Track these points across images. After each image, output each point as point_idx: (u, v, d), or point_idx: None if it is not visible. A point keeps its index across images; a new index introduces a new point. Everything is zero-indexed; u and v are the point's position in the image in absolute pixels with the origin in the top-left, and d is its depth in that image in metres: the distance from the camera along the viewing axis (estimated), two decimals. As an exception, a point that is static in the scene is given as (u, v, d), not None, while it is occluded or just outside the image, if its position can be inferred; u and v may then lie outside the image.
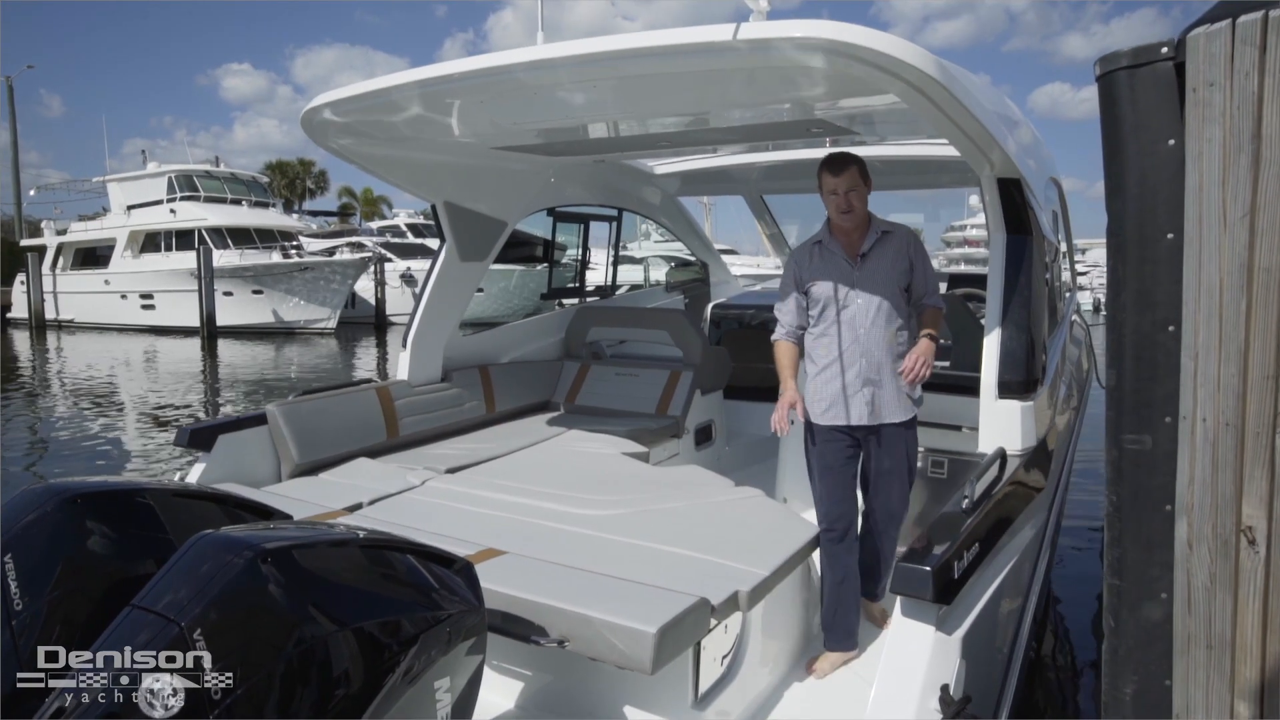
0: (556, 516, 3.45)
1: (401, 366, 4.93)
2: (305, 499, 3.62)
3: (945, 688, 2.26)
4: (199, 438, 3.93)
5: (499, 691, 2.93)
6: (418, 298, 5.05)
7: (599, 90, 3.36)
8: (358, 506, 3.60)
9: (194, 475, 3.86)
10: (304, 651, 1.89)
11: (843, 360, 3.29)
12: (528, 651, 2.67)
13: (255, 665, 1.77)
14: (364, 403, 4.57)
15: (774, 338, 3.45)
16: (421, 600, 2.20)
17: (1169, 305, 1.85)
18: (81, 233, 33.20)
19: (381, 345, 26.03)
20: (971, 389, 3.55)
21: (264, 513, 2.56)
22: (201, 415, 14.08)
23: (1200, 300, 1.77)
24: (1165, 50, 1.83)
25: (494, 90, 3.35)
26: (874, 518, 3.40)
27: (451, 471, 4.17)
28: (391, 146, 4.38)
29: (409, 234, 36.28)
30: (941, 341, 5.10)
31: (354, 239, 33.50)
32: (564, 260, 6.73)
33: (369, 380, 4.81)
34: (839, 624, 3.30)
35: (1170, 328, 1.86)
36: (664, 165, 6.55)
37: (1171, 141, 1.83)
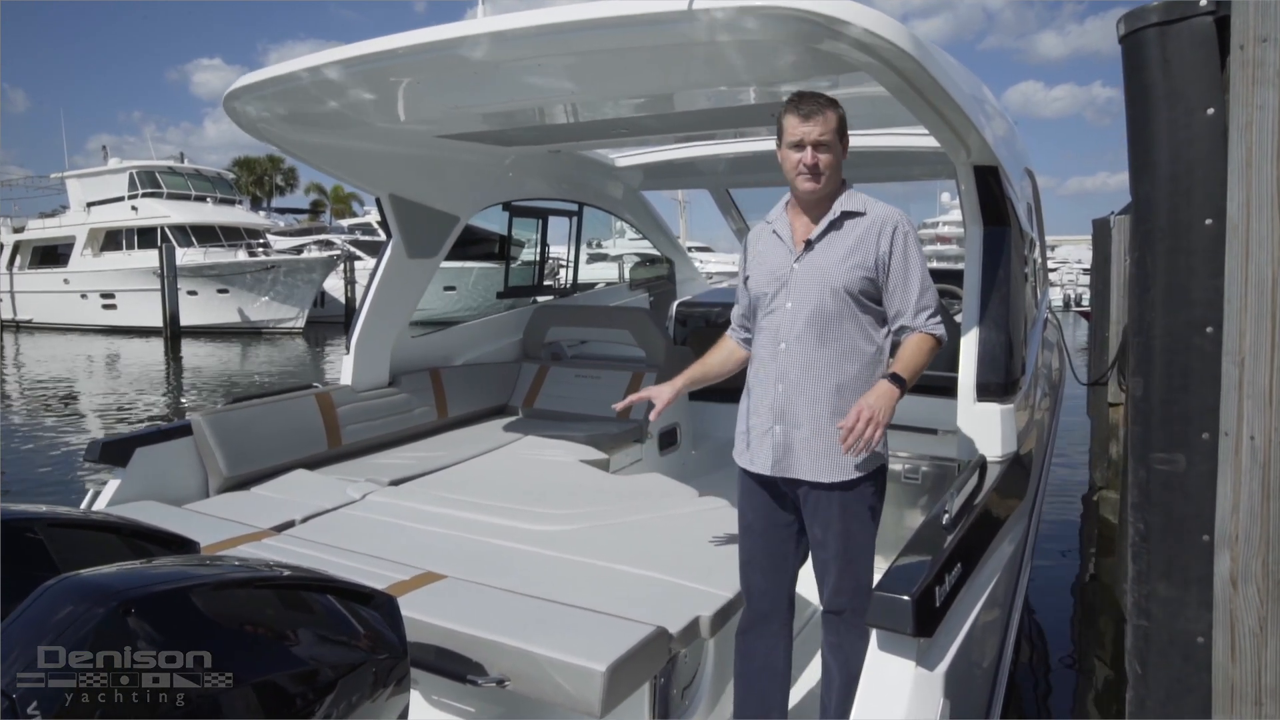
0: (505, 533, 3.20)
1: (345, 370, 4.62)
2: (231, 517, 3.31)
3: None
4: (112, 451, 3.59)
5: None
6: (362, 297, 4.74)
7: (546, 68, 3.12)
8: (289, 524, 3.31)
9: (107, 494, 3.52)
10: (185, 715, 1.58)
11: (757, 379, 2.51)
12: (467, 687, 2.40)
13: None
14: (301, 410, 4.25)
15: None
16: (333, 644, 1.90)
17: (1207, 303, 1.59)
18: (39, 230, 32.37)
19: (351, 345, 25.55)
20: (946, 390, 3.32)
21: (166, 541, 2.25)
22: (163, 420, 13.61)
23: (1248, 297, 1.50)
24: (1204, 2, 1.56)
25: (432, 69, 3.08)
26: (825, 616, 2.50)
27: (395, 483, 3.88)
28: (328, 134, 4.08)
29: (380, 232, 35.75)
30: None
31: (322, 237, 32.97)
32: (525, 256, 6.47)
33: (309, 386, 4.48)
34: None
35: (1208, 329, 1.59)
36: (626, 158, 6.31)
37: (1211, 110, 1.56)
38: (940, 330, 2.43)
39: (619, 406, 2.73)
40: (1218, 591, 1.59)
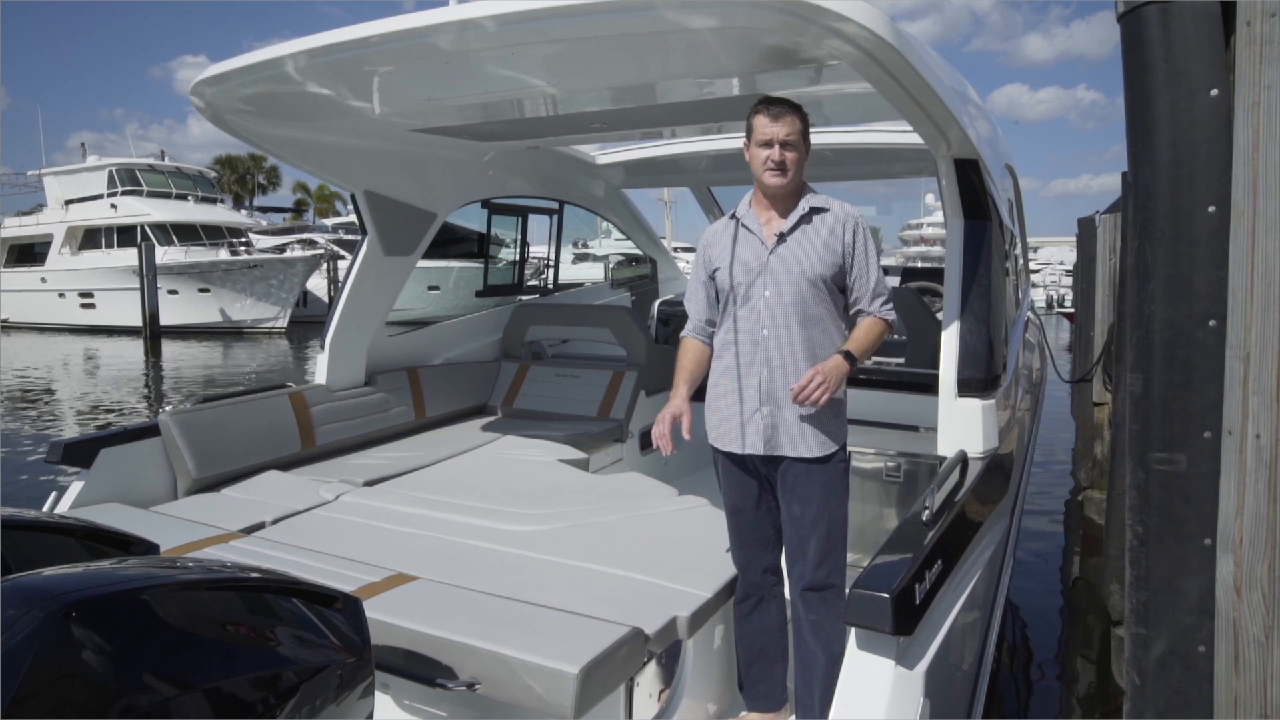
0: (480, 534, 3.13)
1: (319, 370, 4.51)
2: (198, 519, 3.22)
3: None
4: (75, 453, 3.47)
5: None
6: (337, 294, 4.64)
7: (520, 58, 3.05)
8: (259, 526, 3.22)
9: (69, 497, 3.40)
10: (134, 724, 1.49)
11: (739, 369, 2.67)
12: (438, 691, 2.32)
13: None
14: (274, 410, 4.14)
15: (681, 334, 2.91)
16: (295, 647, 1.81)
17: (1210, 295, 1.52)
18: (16, 228, 31.94)
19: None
20: (928, 387, 3.28)
21: (125, 544, 2.15)
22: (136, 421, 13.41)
23: (1254, 288, 1.43)
24: (1208, -22, 1.49)
25: (404, 58, 3.00)
26: (793, 589, 2.70)
27: (370, 484, 3.81)
28: (300, 128, 3.98)
29: (364, 232, 35.52)
30: (897, 337, 4.86)
31: (305, 236, 32.73)
32: (506, 255, 6.38)
33: (282, 385, 4.37)
34: (759, 679, 2.81)
35: (1211, 322, 1.52)
36: (606, 155, 6.24)
37: (1215, 91, 1.49)
38: (891, 316, 2.72)
39: (668, 451, 2.68)
40: (1220, 598, 1.52)
